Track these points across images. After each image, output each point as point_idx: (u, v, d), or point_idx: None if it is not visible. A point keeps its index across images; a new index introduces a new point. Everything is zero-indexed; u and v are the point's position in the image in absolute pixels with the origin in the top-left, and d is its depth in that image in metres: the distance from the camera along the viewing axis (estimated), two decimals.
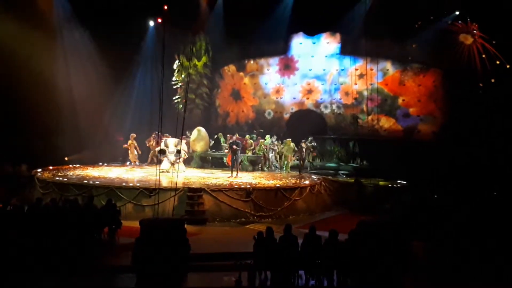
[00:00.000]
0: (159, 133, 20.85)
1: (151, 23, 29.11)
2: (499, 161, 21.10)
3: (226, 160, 23.37)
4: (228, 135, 24.99)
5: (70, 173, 20.31)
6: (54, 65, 24.56)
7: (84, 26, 25.73)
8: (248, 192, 17.22)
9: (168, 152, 21.16)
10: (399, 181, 21.52)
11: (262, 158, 24.52)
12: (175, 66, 29.68)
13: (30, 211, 11.91)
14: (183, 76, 29.25)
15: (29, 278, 9.93)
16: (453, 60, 24.03)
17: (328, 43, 28.49)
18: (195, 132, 24.88)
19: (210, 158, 25.37)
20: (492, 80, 23.16)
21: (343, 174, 24.07)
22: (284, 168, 24.31)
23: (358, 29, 25.90)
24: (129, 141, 24.44)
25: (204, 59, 29.92)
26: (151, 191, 16.27)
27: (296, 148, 24.16)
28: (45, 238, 10.79)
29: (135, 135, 24.54)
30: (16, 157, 21.37)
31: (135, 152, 24.52)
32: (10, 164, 21.28)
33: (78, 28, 25.71)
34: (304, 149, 23.98)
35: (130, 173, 20.91)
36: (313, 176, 21.73)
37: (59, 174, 19.63)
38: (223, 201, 16.73)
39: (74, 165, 23.02)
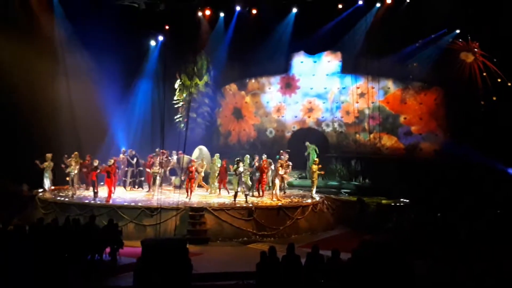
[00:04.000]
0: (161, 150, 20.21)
1: (153, 43, 29.23)
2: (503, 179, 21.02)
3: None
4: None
5: (71, 192, 20.25)
6: (55, 85, 24.68)
7: (85, 46, 25.79)
8: (250, 211, 17.16)
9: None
10: (401, 200, 21.42)
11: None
12: (176, 85, 29.69)
13: (31, 231, 11.87)
14: (184, 95, 29.23)
15: None
16: (454, 78, 23.99)
17: (329, 62, 28.48)
18: (196, 151, 24.86)
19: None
20: (494, 98, 23.13)
21: (345, 192, 23.96)
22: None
23: (359, 48, 26.02)
24: (45, 163, 20.24)
25: (205, 78, 29.87)
26: (153, 210, 16.27)
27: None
28: (46, 258, 10.73)
29: (51, 155, 20.37)
30: (17, 176, 21.36)
31: (51, 177, 20.38)
32: (12, 184, 21.28)
33: (79, 48, 25.77)
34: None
35: (130, 193, 20.83)
36: (315, 195, 21.54)
37: (61, 194, 19.56)
38: (225, 220, 16.69)
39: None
